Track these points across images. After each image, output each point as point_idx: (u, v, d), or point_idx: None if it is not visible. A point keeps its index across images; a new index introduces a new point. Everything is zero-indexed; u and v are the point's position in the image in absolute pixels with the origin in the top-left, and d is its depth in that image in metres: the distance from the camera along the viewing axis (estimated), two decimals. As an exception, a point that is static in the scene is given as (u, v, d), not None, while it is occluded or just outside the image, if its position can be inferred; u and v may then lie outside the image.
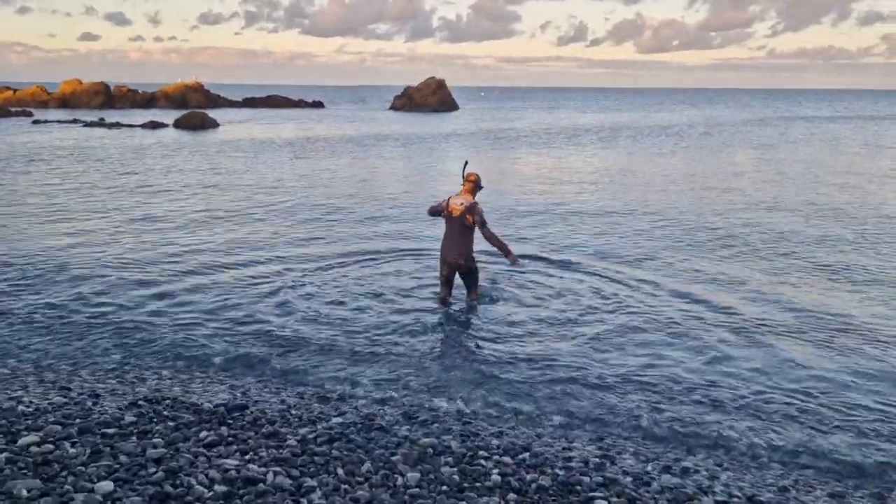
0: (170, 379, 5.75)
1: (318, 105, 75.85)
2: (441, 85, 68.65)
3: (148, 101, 64.91)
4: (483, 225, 7.52)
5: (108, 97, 64.05)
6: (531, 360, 6.35)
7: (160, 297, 8.10)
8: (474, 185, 7.68)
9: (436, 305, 7.89)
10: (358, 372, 6.06)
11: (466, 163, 8.08)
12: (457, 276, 7.92)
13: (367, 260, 10.05)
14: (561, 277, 9.12)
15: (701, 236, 11.86)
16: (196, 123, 40.35)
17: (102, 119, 43.50)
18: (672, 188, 17.95)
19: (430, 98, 67.57)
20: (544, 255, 10.34)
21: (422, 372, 6.07)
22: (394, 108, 69.18)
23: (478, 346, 6.73)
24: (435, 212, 7.97)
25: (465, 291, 8.04)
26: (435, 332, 7.12)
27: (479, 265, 8.03)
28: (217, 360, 6.36)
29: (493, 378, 5.97)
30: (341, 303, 7.94)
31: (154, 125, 39.97)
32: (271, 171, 20.93)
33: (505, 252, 7.61)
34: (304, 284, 8.65)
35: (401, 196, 16.27)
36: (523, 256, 10.04)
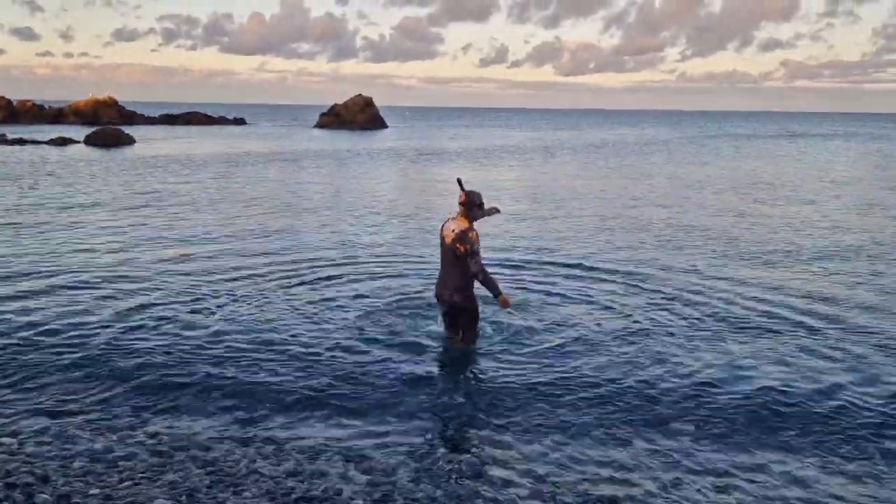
0: (84, 474, 4.22)
1: (240, 122, 73.23)
2: (369, 103, 67.26)
3: (55, 116, 60.84)
4: (473, 256, 6.13)
5: (10, 112, 59.67)
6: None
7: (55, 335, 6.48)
8: (464, 206, 6.23)
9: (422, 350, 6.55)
10: (337, 449, 4.61)
11: (459, 180, 6.48)
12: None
13: (322, 280, 8.97)
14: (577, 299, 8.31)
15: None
16: (110, 140, 37.47)
17: (4, 135, 39.98)
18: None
19: (359, 115, 66.08)
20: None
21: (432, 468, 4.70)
22: (320, 125, 67.24)
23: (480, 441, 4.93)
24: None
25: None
26: (437, 403, 5.48)
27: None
28: (140, 441, 4.73)
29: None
30: (306, 345, 6.54)
31: (63, 141, 36.90)
32: (194, 189, 19.15)
33: (495, 293, 6.19)
34: (244, 317, 7.19)
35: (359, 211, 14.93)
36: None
